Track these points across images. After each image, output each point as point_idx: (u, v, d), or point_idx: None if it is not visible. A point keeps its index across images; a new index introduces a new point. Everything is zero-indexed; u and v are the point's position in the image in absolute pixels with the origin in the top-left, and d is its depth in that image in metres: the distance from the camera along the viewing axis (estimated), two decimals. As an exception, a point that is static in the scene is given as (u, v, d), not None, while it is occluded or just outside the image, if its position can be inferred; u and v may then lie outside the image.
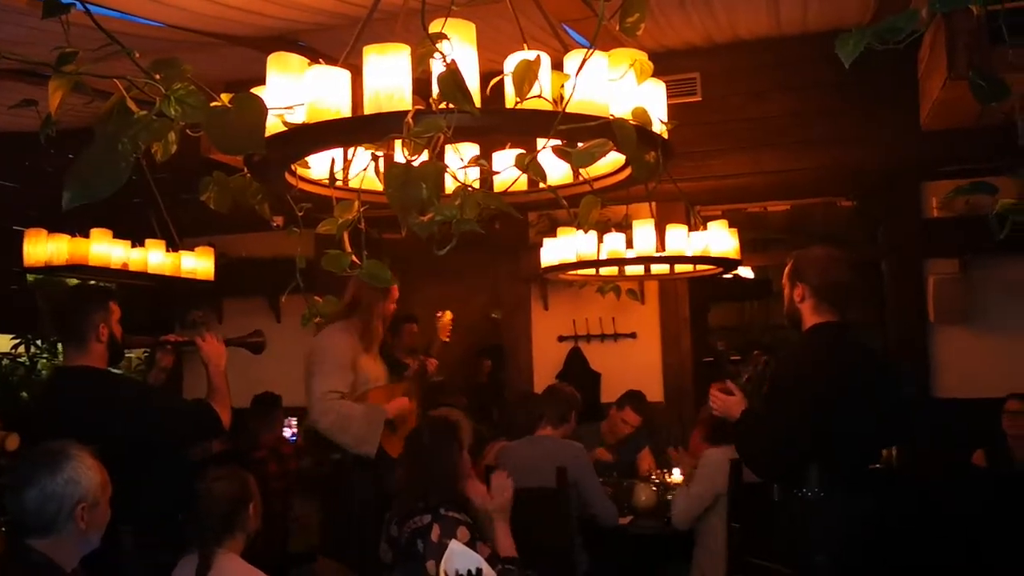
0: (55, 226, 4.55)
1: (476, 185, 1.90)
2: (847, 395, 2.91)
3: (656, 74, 2.23)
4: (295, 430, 6.07)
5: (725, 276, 5.97)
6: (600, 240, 4.52)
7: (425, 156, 1.79)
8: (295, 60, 2.12)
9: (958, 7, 1.08)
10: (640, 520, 4.36)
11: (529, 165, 1.70)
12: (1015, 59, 3.89)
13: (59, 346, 6.05)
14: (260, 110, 1.73)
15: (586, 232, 4.31)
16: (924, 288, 5.45)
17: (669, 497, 4.53)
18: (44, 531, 2.15)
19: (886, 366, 3.22)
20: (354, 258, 1.80)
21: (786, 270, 3.20)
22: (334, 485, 4.06)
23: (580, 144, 1.92)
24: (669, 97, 2.42)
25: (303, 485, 5.12)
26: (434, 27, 1.88)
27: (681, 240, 4.65)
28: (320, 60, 2.11)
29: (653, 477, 4.75)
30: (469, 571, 2.48)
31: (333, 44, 4.25)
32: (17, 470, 2.22)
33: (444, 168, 1.70)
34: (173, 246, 4.98)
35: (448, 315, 4.91)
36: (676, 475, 4.66)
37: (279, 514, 4.94)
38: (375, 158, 1.95)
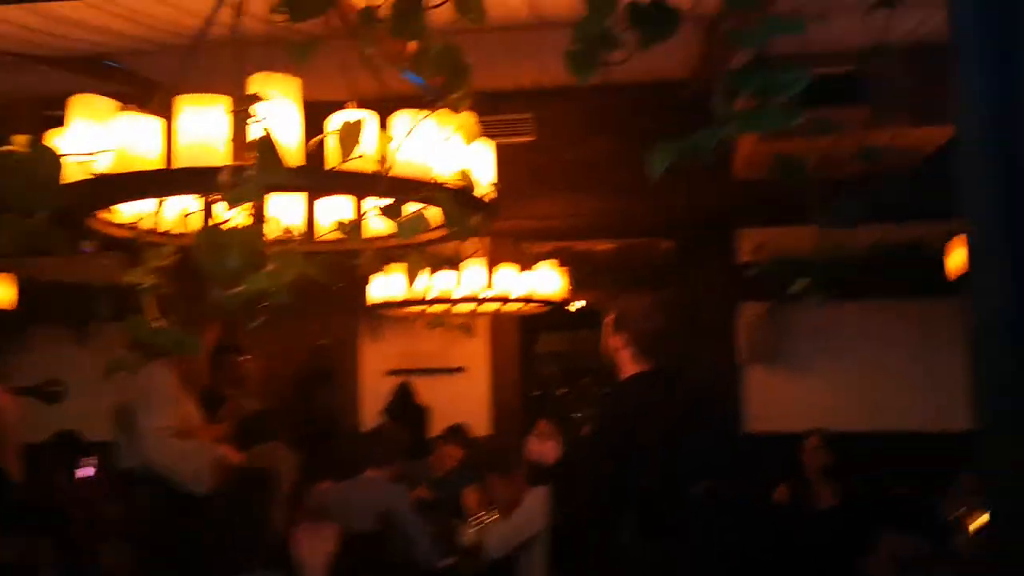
0: None
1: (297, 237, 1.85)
2: (662, 443, 3.01)
3: (493, 113, 2.25)
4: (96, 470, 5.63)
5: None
6: (430, 277, 4.52)
7: (245, 212, 1.73)
8: (101, 104, 2.00)
9: (766, 131, 1.14)
10: (464, 560, 4.34)
11: (350, 229, 1.66)
12: (819, 122, 4.21)
13: None
14: (55, 163, 1.61)
15: (412, 285, 4.29)
16: (734, 328, 5.77)
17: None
18: None
19: (697, 410, 3.36)
20: (158, 323, 1.70)
21: (607, 319, 3.29)
22: (149, 530, 3.80)
23: (407, 208, 1.92)
24: (504, 136, 2.46)
25: (114, 532, 4.78)
26: (257, 83, 1.82)
27: (510, 280, 4.72)
28: (132, 105, 1.99)
29: (479, 515, 4.75)
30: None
31: (151, 66, 4.06)
32: None
33: (259, 232, 1.64)
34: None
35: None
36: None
37: (88, 570, 4.58)
38: (190, 214, 1.86)
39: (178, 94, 1.97)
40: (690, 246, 6.02)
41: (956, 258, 4.51)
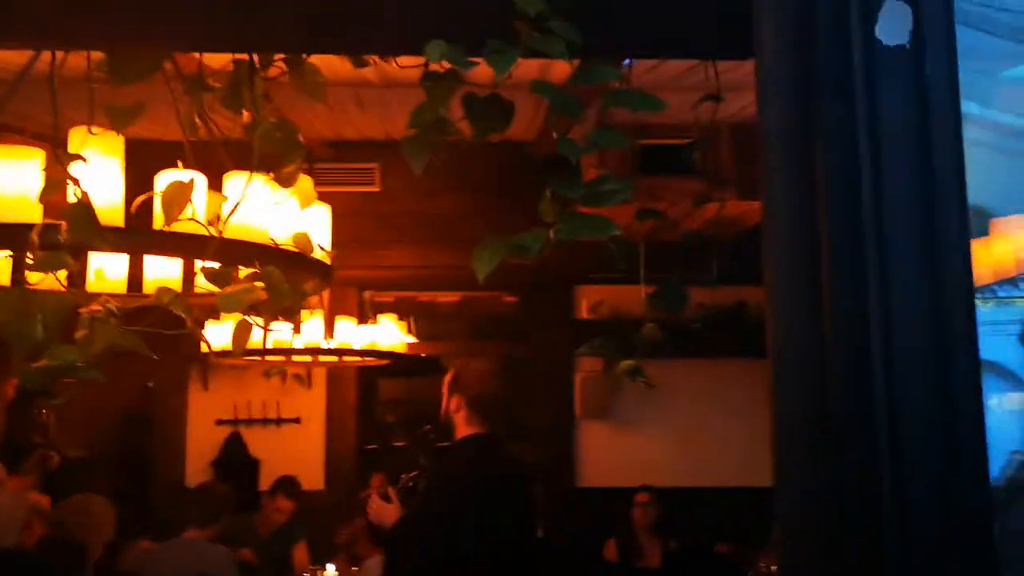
0: None
1: (111, 308, 1.75)
2: (491, 504, 3.03)
3: (337, 161, 2.21)
4: None
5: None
6: (266, 329, 4.37)
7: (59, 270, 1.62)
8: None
9: (590, 237, 1.18)
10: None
11: (173, 302, 1.59)
12: (653, 189, 4.41)
13: None
14: None
15: (238, 350, 4.15)
16: (571, 381, 5.89)
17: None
18: None
19: (523, 475, 3.42)
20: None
21: (446, 379, 3.30)
22: None
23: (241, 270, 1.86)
24: (348, 184, 2.41)
25: None
26: (75, 139, 1.73)
27: (350, 332, 4.65)
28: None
29: (310, 572, 4.61)
30: None
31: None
32: None
33: (68, 298, 1.54)
34: None
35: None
36: (330, 570, 4.55)
37: None
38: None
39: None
40: (531, 301, 6.13)
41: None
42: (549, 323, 6.02)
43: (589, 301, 5.93)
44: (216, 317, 4.66)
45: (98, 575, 3.57)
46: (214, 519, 4.04)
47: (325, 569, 4.54)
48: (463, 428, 3.15)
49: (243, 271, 1.94)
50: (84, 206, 1.43)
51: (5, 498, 3.41)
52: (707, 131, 3.72)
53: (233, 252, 1.79)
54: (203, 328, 4.71)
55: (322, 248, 2.21)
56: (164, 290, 1.63)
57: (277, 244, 2.02)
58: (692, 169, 4.00)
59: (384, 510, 3.14)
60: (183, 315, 1.74)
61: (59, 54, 1.74)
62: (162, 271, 2.36)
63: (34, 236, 1.60)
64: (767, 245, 1.24)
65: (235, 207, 1.67)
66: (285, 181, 1.55)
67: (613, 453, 5.91)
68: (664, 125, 4.29)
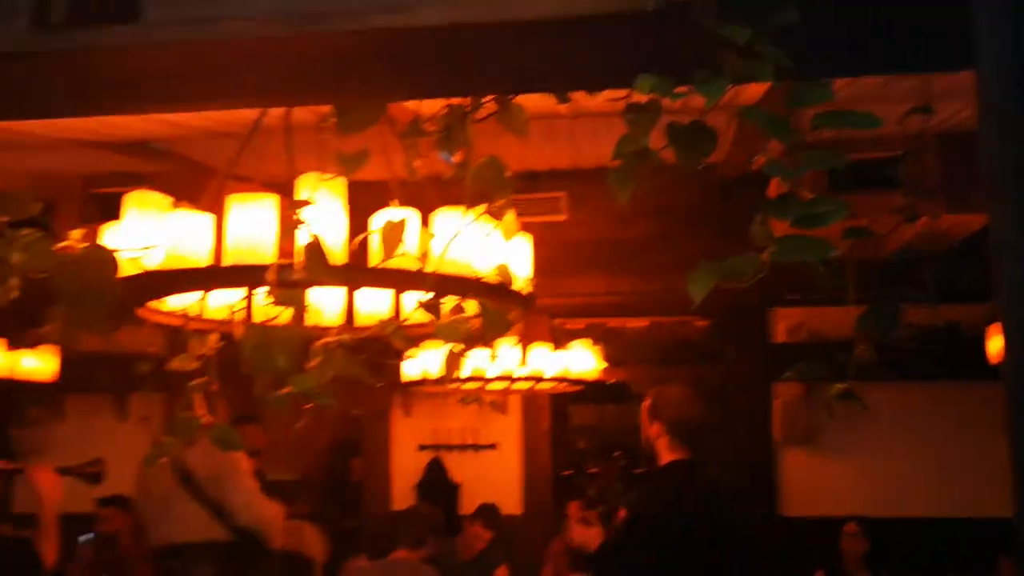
0: None
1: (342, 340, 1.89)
2: (698, 531, 2.99)
3: (523, 192, 2.27)
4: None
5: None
6: (463, 356, 4.54)
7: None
8: (156, 200, 2.07)
9: (804, 258, 1.17)
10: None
11: (393, 334, 1.70)
12: (852, 206, 4.23)
13: None
14: (111, 264, 1.67)
15: (452, 376, 4.33)
16: (769, 409, 5.70)
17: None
18: None
19: (733, 500, 3.35)
20: (204, 418, 1.74)
21: (644, 406, 3.30)
22: None
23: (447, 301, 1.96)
24: (535, 215, 2.49)
25: None
26: (304, 183, 1.88)
27: (544, 359, 4.74)
28: (184, 202, 2.06)
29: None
30: None
31: (196, 149, 4.18)
32: None
33: (304, 334, 1.68)
34: (14, 344, 4.67)
35: None
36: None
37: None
38: (233, 312, 1.91)
39: (228, 179, 2.04)
40: (725, 325, 6.00)
41: (996, 342, 4.47)
42: (744, 347, 5.88)
43: (787, 324, 5.74)
44: (416, 347, 4.91)
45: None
46: (422, 541, 4.21)
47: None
48: (666, 454, 3.14)
49: (448, 302, 2.04)
50: (316, 245, 1.56)
51: (273, 505, 3.65)
52: (913, 142, 3.55)
53: (445, 285, 1.88)
54: (405, 359, 4.96)
55: (523, 278, 2.28)
56: (387, 323, 1.74)
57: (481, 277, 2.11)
58: (896, 182, 3.81)
59: (586, 535, 3.17)
60: (402, 345, 1.84)
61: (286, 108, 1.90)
62: (372, 307, 2.52)
63: (271, 275, 1.76)
64: (997, 259, 1.18)
65: (450, 241, 1.76)
66: (496, 214, 1.62)
67: (817, 481, 5.66)
68: (862, 139, 4.13)
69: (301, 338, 1.65)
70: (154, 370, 2.18)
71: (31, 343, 4.84)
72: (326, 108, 1.56)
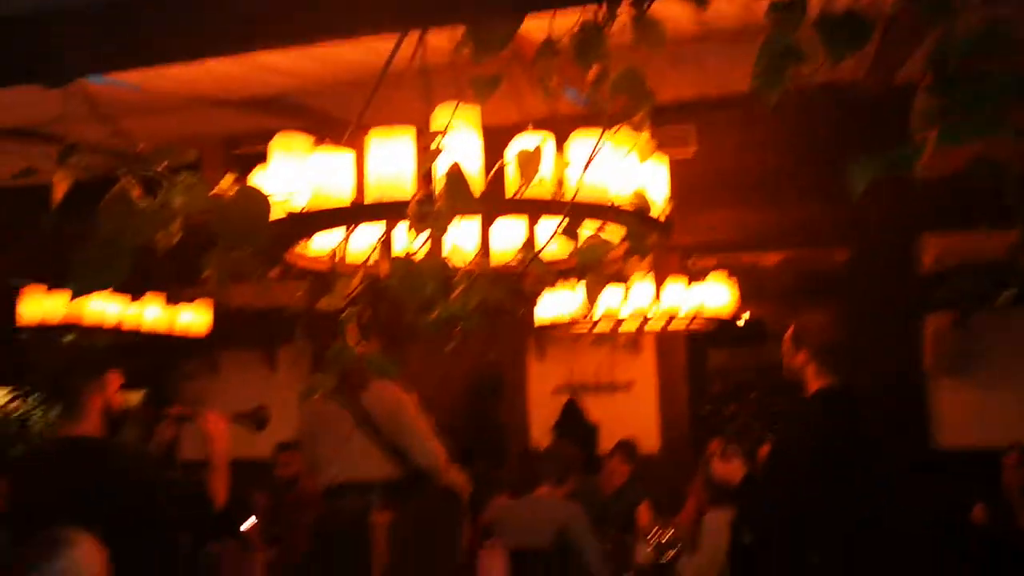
0: (54, 282, 4.53)
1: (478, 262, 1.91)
2: (849, 460, 2.92)
3: (650, 126, 2.22)
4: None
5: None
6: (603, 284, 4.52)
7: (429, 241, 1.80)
8: (299, 141, 2.13)
9: (967, 141, 1.09)
10: (640, 577, 4.32)
11: (531, 262, 1.70)
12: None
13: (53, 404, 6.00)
14: (264, 205, 1.73)
15: (591, 308, 4.32)
16: (922, 340, 5.46)
17: (667, 555, 4.50)
18: None
19: (883, 427, 3.24)
20: (358, 349, 1.79)
21: (786, 335, 3.22)
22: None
23: (585, 230, 1.95)
24: (663, 150, 2.42)
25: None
26: (441, 114, 1.89)
27: (678, 295, 4.67)
28: (325, 139, 2.12)
29: (652, 534, 4.70)
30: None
31: (331, 102, 4.28)
32: (20, 554, 2.19)
33: (447, 263, 1.71)
34: (171, 299, 4.97)
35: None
36: (674, 532, 4.61)
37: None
38: (376, 248, 1.95)
39: (363, 129, 2.08)
40: (867, 255, 5.75)
41: None
42: (888, 276, 5.62)
43: (936, 250, 5.44)
44: (551, 285, 4.93)
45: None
46: (564, 478, 4.27)
47: (669, 528, 4.61)
48: (813, 382, 3.07)
49: (587, 229, 2.03)
50: (457, 172, 1.57)
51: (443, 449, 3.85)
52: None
53: (583, 211, 1.87)
54: (539, 301, 5.00)
55: (661, 202, 2.24)
56: (524, 248, 1.74)
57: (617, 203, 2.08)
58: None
59: (729, 468, 3.13)
60: (540, 272, 1.84)
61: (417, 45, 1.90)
62: (507, 243, 2.54)
63: (412, 208, 1.79)
64: None
65: (587, 164, 1.75)
66: (638, 127, 1.59)
67: (974, 411, 5.39)
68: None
69: (444, 267, 1.68)
70: (301, 322, 2.25)
71: (187, 298, 5.12)
72: (457, 37, 1.55)
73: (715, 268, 5.28)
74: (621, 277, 4.70)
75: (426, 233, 1.73)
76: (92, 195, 1.78)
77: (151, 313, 4.83)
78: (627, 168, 2.15)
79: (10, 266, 5.53)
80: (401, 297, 1.68)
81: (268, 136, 2.21)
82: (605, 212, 1.86)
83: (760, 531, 3.17)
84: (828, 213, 5.33)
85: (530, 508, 4.20)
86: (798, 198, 5.39)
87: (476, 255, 1.95)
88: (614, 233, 2.04)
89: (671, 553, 4.49)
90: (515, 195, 1.90)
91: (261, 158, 2.27)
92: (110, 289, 4.60)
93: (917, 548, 3.36)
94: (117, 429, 3.17)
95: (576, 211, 1.79)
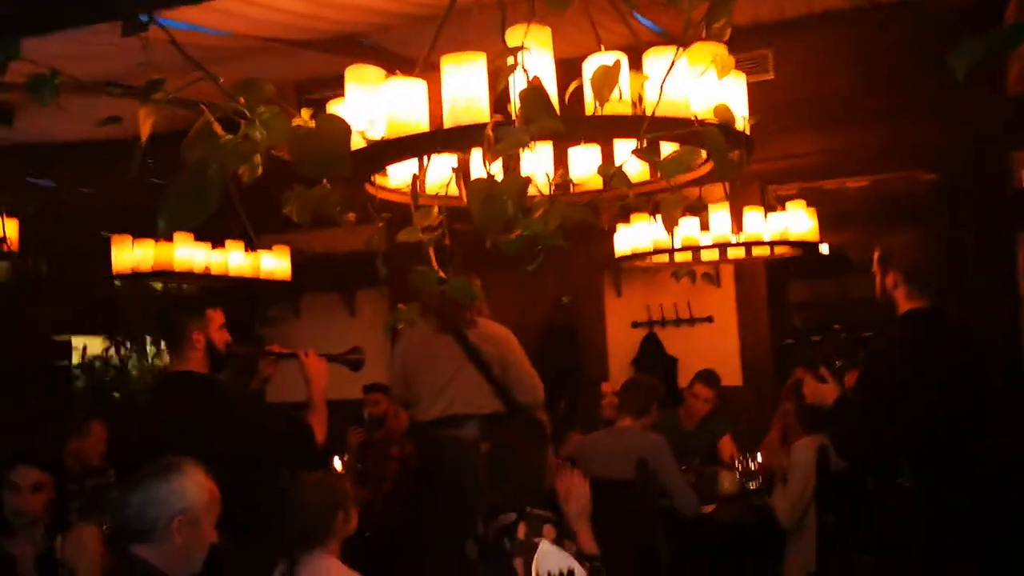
0: (139, 231, 4.67)
1: (554, 188, 1.90)
2: (943, 381, 2.84)
3: (729, 51, 2.16)
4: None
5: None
6: (675, 226, 4.47)
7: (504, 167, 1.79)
8: (372, 72, 2.13)
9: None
10: (723, 508, 4.32)
11: (613, 177, 1.67)
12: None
13: (148, 347, 6.24)
14: (343, 132, 1.74)
15: (670, 232, 4.28)
16: (1014, 263, 5.24)
17: (752, 484, 4.49)
18: (143, 537, 2.19)
19: (978, 349, 3.13)
20: (441, 273, 1.80)
21: (875, 258, 3.13)
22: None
23: (664, 145, 1.91)
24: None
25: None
26: (513, 36, 1.86)
27: (758, 223, 4.58)
28: (396, 71, 2.11)
29: (736, 464, 4.69)
30: (561, 571, 2.49)
31: (400, 42, 4.26)
32: (131, 476, 2.29)
33: (527, 182, 1.69)
34: (252, 246, 5.07)
35: None
36: (759, 461, 4.59)
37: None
38: (455, 171, 1.95)
39: (434, 63, 2.06)
40: (956, 176, 5.53)
41: None
42: (979, 198, 5.39)
43: (1029, 167, 5.21)
44: (626, 220, 4.88)
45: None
46: (646, 409, 4.27)
47: (755, 457, 4.60)
48: (905, 303, 2.99)
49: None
50: (536, 89, 1.55)
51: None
52: None
53: (665, 128, 1.82)
54: (615, 232, 4.96)
55: (742, 118, 2.18)
56: (606, 167, 1.71)
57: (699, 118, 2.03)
58: None
59: (822, 390, 3.09)
60: (624, 188, 1.80)
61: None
62: (584, 170, 2.51)
63: (490, 131, 1.77)
64: None
65: (664, 79, 1.70)
66: (717, 37, 1.54)
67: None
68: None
69: (524, 187, 1.66)
70: (380, 264, 2.27)
71: (266, 245, 5.23)
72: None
73: (797, 197, 5.14)
74: (698, 208, 4.65)
75: (507, 153, 1.72)
76: (176, 149, 1.82)
77: (235, 259, 4.94)
78: (706, 85, 2.09)
79: (101, 218, 5.72)
80: (481, 220, 1.67)
81: (339, 81, 2.21)
82: (687, 125, 1.81)
83: (851, 455, 3.13)
84: (915, 134, 5.13)
85: (612, 439, 4.22)
86: (881, 121, 5.19)
87: (556, 176, 1.93)
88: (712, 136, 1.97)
89: (755, 484, 4.48)
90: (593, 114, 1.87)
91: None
92: (194, 234, 4.72)
93: (1010, 474, 3.28)
94: (221, 367, 3.30)
95: (656, 125, 1.74)
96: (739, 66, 2.30)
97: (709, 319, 6.12)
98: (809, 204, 4.78)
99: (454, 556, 3.26)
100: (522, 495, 2.99)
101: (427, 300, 4.01)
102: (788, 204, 4.62)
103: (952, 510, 2.80)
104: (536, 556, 2.62)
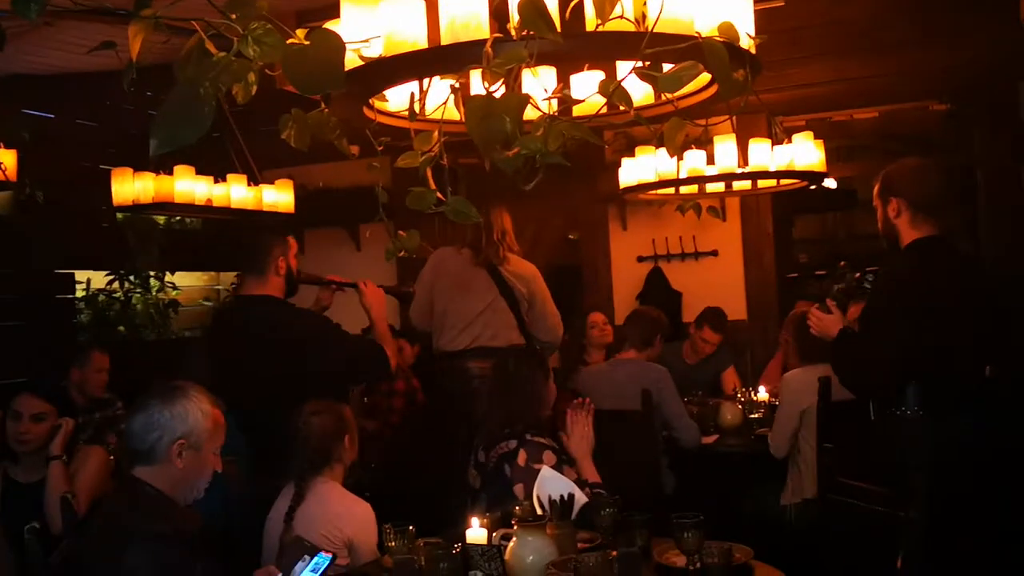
0: (139, 164, 4.63)
1: (556, 112, 1.86)
2: (948, 311, 2.81)
3: None
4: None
5: (810, 187, 5.80)
6: (680, 158, 4.41)
7: (504, 86, 1.75)
8: (369, -9, 2.07)
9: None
10: (726, 439, 4.35)
11: (614, 92, 1.63)
12: None
13: (151, 281, 6.24)
14: (337, 47, 1.70)
15: (672, 156, 4.21)
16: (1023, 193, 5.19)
17: (754, 415, 4.51)
18: (144, 458, 2.20)
19: (985, 278, 3.09)
20: (439, 195, 1.78)
21: (876, 187, 3.06)
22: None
23: (665, 66, 1.86)
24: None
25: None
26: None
27: (764, 155, 4.52)
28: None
29: (739, 396, 4.71)
30: (561, 496, 2.51)
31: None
32: (139, 398, 2.30)
33: (527, 99, 1.66)
34: (254, 180, 5.03)
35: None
36: (762, 393, 4.61)
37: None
38: (454, 90, 1.91)
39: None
40: (967, 106, 5.44)
41: None
42: (989, 128, 5.32)
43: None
44: (631, 154, 4.82)
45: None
46: (650, 341, 4.27)
47: (757, 391, 4.61)
48: (909, 233, 2.92)
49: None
50: (534, 0, 1.50)
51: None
52: None
53: (664, 41, 1.77)
54: (619, 166, 4.90)
55: (749, 36, 2.12)
56: (605, 83, 1.67)
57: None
58: None
59: (826, 320, 3.06)
60: (624, 106, 1.76)
61: None
62: (584, 93, 2.46)
63: (488, 48, 1.73)
64: None
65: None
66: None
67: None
68: None
69: (523, 103, 1.62)
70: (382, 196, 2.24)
71: (268, 179, 5.19)
72: None
73: (805, 128, 5.07)
74: (703, 141, 4.58)
75: (506, 67, 1.68)
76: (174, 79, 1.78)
77: (237, 193, 4.90)
78: (710, 2, 2.03)
79: (101, 150, 5.68)
80: (479, 138, 1.64)
81: (339, 8, 2.16)
82: (689, 41, 1.75)
83: (854, 386, 3.12)
84: (926, 64, 5.02)
85: (616, 371, 4.24)
86: (892, 51, 5.07)
87: (555, 93, 1.88)
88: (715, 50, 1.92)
89: (759, 414, 4.50)
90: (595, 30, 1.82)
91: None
92: (195, 167, 4.68)
93: (1016, 406, 3.27)
94: (293, 293, 3.39)
95: (658, 40, 1.70)
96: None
97: (714, 253, 6.10)
98: (817, 136, 4.71)
99: (458, 484, 3.30)
100: (520, 419, 3.01)
101: (463, 234, 4.26)
102: (795, 136, 4.54)
103: (955, 441, 2.80)
104: (537, 481, 2.64)
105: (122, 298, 6.05)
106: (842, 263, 8.96)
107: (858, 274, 6.99)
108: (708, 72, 1.86)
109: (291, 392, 2.97)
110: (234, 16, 1.76)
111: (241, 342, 3.28)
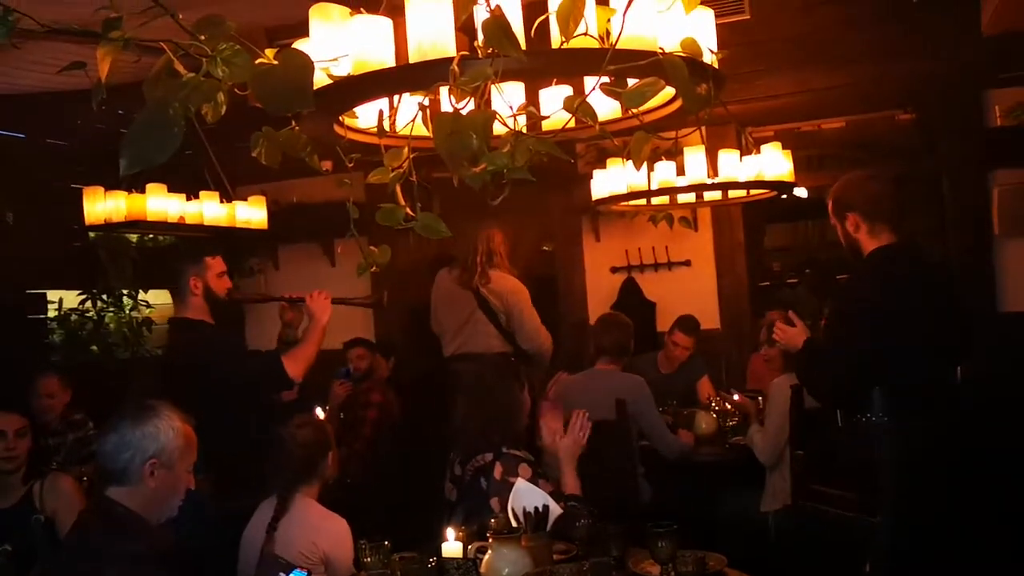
0: (110, 183, 4.61)
1: (524, 128, 1.88)
2: (909, 316, 2.86)
3: None
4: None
5: (781, 197, 5.87)
6: (651, 170, 4.46)
7: (472, 103, 1.77)
8: (336, 10, 2.09)
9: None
10: (701, 448, 4.38)
11: (578, 107, 1.67)
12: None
13: (124, 300, 6.19)
14: (306, 67, 1.72)
15: (639, 168, 4.25)
16: (988, 200, 5.28)
17: (730, 423, 4.55)
18: (117, 479, 2.19)
19: (949, 283, 3.15)
20: (408, 211, 1.80)
21: (829, 206, 3.12)
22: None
23: (631, 81, 1.89)
24: (717, 17, 2.34)
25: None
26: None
27: (733, 165, 4.57)
28: (360, 9, 2.08)
29: (713, 405, 4.76)
30: (536, 508, 2.53)
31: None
32: (110, 419, 2.29)
33: (493, 116, 1.68)
34: (227, 197, 5.02)
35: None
36: (736, 399, 4.65)
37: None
38: (422, 107, 1.93)
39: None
40: (933, 115, 5.53)
41: None
42: (955, 135, 5.41)
43: (1005, 104, 5.21)
44: (603, 165, 4.86)
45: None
46: (625, 351, 4.30)
47: (731, 393, 4.66)
48: (869, 243, 2.98)
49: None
50: (497, 19, 1.53)
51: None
52: None
53: (627, 58, 1.80)
54: (591, 178, 4.94)
55: (712, 52, 2.16)
56: (571, 99, 1.70)
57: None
58: None
59: (790, 333, 3.11)
60: (590, 120, 1.79)
61: None
62: (550, 109, 2.49)
63: (455, 67, 1.76)
64: None
65: (627, 8, 1.69)
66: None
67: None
68: None
69: (490, 120, 1.65)
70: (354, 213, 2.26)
71: (241, 196, 5.18)
72: None
73: (773, 139, 5.13)
74: (673, 152, 4.63)
75: (471, 92, 1.70)
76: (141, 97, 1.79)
77: (210, 210, 4.88)
78: (673, 20, 2.07)
79: (72, 169, 5.64)
80: (446, 154, 1.66)
81: (307, 26, 2.18)
82: (650, 58, 1.79)
83: (819, 396, 3.16)
84: (892, 73, 5.11)
85: (590, 381, 4.26)
86: (858, 60, 5.16)
87: (521, 109, 1.91)
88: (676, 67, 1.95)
89: (733, 422, 4.55)
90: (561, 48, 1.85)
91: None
92: (167, 185, 4.66)
93: (981, 410, 3.33)
94: (226, 312, 3.43)
95: (620, 57, 1.73)
96: (716, 6, 2.29)
97: (687, 263, 6.16)
98: (785, 147, 4.78)
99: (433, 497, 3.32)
100: (496, 427, 3.03)
101: (457, 256, 4.87)
102: (763, 146, 4.60)
103: (921, 446, 2.85)
104: (511, 493, 2.66)
105: (95, 317, 5.99)
106: (807, 271, 9.06)
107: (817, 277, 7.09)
108: (670, 87, 1.89)
109: (205, 410, 2.80)
110: (203, 37, 1.78)
111: (161, 363, 3.48)
